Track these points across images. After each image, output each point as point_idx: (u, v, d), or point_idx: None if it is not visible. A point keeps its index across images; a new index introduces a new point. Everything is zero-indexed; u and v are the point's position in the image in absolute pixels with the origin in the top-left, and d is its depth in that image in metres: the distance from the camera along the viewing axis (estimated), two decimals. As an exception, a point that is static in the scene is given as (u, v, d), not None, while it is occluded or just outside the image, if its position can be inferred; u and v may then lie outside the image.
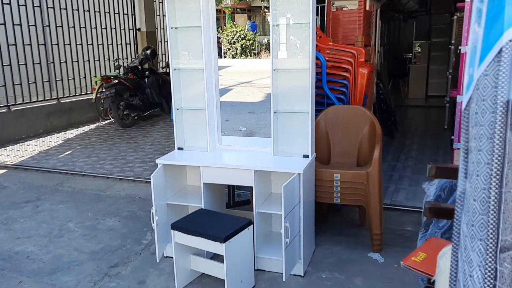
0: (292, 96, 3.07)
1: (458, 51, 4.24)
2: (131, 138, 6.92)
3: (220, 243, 2.58)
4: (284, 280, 2.72)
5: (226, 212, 3.48)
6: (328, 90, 3.76)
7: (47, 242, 3.58)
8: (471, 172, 0.72)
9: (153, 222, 2.99)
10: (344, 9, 5.12)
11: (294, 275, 2.97)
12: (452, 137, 4.33)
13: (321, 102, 3.81)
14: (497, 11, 0.66)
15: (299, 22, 2.95)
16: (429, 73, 10.09)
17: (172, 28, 3.20)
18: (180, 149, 3.39)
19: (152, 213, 2.99)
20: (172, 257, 3.07)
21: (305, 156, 3.08)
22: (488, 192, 0.67)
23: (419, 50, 10.44)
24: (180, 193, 3.32)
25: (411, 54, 10.96)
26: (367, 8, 4.97)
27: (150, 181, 3.03)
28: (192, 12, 3.12)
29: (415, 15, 11.53)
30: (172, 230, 2.79)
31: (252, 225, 2.81)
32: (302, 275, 2.97)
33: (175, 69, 3.28)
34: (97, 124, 7.98)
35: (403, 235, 3.54)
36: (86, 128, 7.72)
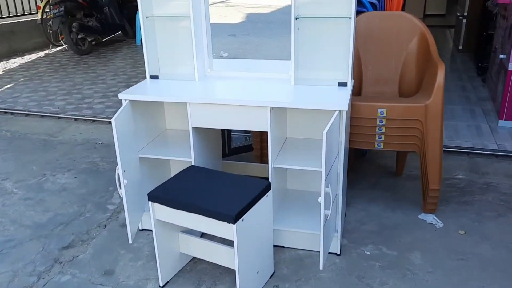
0: (322, -8, 2.02)
1: None
2: (88, 67, 5.69)
3: (229, 223, 1.64)
4: (321, 268, 1.85)
5: (223, 165, 2.53)
6: (358, -9, 2.70)
7: (-27, 212, 2.57)
8: None
9: (120, 188, 2.00)
10: None
11: (328, 253, 2.10)
12: (502, 56, 3.42)
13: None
14: None
15: None
16: (428, -11, 8.96)
17: None
18: (154, 77, 2.33)
19: (118, 174, 2.00)
20: (151, 230, 2.17)
21: (342, 84, 2.10)
22: None
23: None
24: (157, 141, 2.32)
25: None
26: None
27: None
28: None
29: None
30: (150, 203, 1.83)
31: (270, 190, 1.87)
32: (338, 252, 2.11)
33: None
34: (46, 52, 6.64)
35: (455, 185, 2.71)
36: (33, 56, 6.39)
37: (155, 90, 2.17)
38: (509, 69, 3.22)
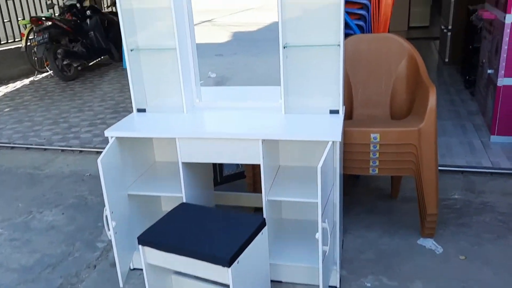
0: (310, 21, 1.99)
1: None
2: (75, 94, 5.61)
3: (224, 266, 1.57)
4: (321, 306, 1.78)
5: (215, 196, 2.47)
6: (345, 15, 2.68)
7: (-45, 256, 2.46)
8: None
9: (108, 230, 1.93)
10: None
11: (328, 287, 2.03)
12: (490, 71, 3.42)
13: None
14: None
15: None
16: (411, 1, 9.05)
17: None
18: (141, 110, 2.27)
19: (106, 216, 1.92)
20: (142, 269, 2.08)
21: (334, 111, 2.06)
22: None
23: (399, -24, 9.31)
24: (146, 176, 2.25)
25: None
26: None
27: (102, 151, 1.92)
28: None
29: None
30: (140, 246, 1.75)
31: (265, 226, 1.81)
32: (338, 286, 2.05)
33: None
34: (31, 79, 6.55)
35: (452, 206, 2.66)
36: (18, 84, 6.30)
37: (142, 125, 2.11)
38: (498, 84, 3.22)
